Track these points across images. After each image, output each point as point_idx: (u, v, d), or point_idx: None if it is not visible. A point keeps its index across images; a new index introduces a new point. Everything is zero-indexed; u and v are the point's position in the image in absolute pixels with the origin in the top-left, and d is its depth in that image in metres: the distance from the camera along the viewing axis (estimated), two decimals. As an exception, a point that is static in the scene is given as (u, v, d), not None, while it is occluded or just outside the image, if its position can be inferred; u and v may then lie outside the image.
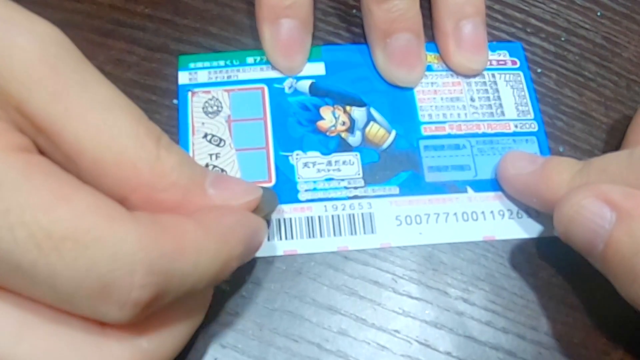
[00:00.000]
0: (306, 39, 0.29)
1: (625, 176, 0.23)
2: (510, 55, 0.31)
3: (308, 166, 0.27)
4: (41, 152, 0.19)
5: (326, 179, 0.27)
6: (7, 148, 0.17)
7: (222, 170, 0.27)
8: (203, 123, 0.28)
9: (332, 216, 0.26)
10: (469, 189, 0.27)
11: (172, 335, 0.20)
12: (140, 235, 0.17)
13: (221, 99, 0.28)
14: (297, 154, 0.27)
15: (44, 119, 0.18)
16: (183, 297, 0.19)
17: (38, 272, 0.16)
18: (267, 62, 0.29)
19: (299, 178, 0.27)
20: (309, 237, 0.26)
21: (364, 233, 0.26)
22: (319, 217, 0.26)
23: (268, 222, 0.25)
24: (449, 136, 0.28)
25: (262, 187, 0.23)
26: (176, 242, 0.18)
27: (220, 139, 0.27)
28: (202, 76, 0.29)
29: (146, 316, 0.18)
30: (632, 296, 0.21)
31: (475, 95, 0.29)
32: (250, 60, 0.29)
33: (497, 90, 0.30)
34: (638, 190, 0.22)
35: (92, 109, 0.18)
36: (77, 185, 0.17)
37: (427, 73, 0.30)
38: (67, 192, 0.16)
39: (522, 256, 0.26)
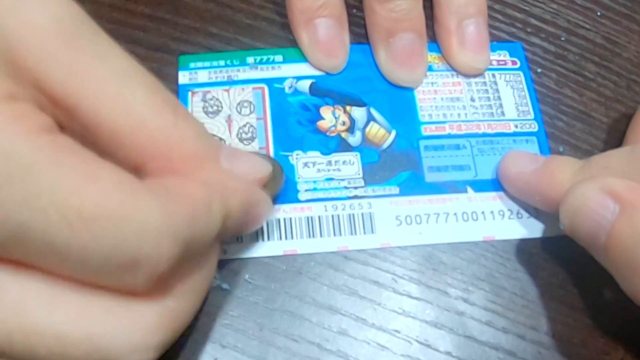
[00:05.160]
0: (344, 35, 0.29)
1: (627, 172, 0.23)
2: (511, 55, 0.31)
3: (308, 166, 0.27)
4: (60, 125, 0.19)
5: (326, 179, 0.27)
6: (34, 131, 0.17)
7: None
8: (203, 123, 0.28)
9: (332, 216, 0.26)
10: (469, 189, 0.27)
11: (193, 291, 0.20)
12: (161, 207, 0.17)
13: (221, 99, 0.28)
14: (297, 154, 0.27)
15: (61, 93, 0.18)
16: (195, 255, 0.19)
17: (70, 250, 0.16)
18: (267, 62, 0.29)
19: (299, 178, 0.27)
20: (309, 237, 0.26)
21: (364, 233, 0.26)
22: (319, 217, 0.26)
23: (274, 200, 0.26)
24: (449, 136, 0.28)
25: (272, 161, 0.24)
26: (189, 206, 0.18)
27: (221, 139, 0.27)
28: (202, 76, 0.29)
29: (164, 277, 0.18)
30: (632, 289, 0.21)
31: (476, 95, 0.29)
32: (250, 60, 0.29)
33: (497, 91, 0.30)
34: None
35: (108, 81, 0.18)
36: (101, 163, 0.17)
37: (427, 73, 0.30)
38: (93, 171, 0.17)
39: (522, 256, 0.26)
